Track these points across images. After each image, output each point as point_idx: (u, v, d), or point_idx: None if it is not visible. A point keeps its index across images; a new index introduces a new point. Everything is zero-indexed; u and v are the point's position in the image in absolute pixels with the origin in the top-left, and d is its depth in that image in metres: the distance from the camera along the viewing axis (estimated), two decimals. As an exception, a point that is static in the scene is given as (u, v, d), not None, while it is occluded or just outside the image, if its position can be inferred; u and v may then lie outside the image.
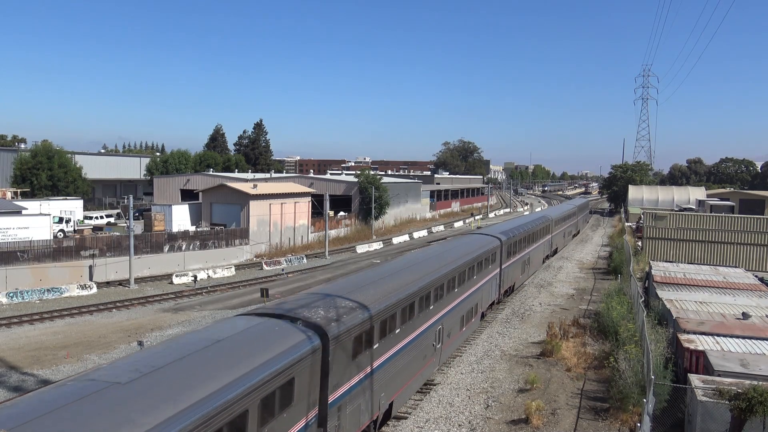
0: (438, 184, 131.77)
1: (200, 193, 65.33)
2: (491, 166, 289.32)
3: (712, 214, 62.48)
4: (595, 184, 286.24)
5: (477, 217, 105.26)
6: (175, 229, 56.64)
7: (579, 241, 75.78)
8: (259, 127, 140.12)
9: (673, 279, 34.46)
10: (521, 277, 42.16)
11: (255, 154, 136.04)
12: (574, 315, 33.93)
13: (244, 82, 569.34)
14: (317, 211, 67.28)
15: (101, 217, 71.24)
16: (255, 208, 59.84)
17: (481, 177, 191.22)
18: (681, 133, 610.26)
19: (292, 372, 12.31)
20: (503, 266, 35.49)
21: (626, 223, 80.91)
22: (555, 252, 58.89)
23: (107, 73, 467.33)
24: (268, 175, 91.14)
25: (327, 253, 60.97)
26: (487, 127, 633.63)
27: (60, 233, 56.11)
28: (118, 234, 51.04)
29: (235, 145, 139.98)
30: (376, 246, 68.68)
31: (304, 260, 57.52)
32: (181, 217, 61.42)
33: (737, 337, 21.83)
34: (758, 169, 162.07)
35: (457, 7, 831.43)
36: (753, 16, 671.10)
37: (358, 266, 52.90)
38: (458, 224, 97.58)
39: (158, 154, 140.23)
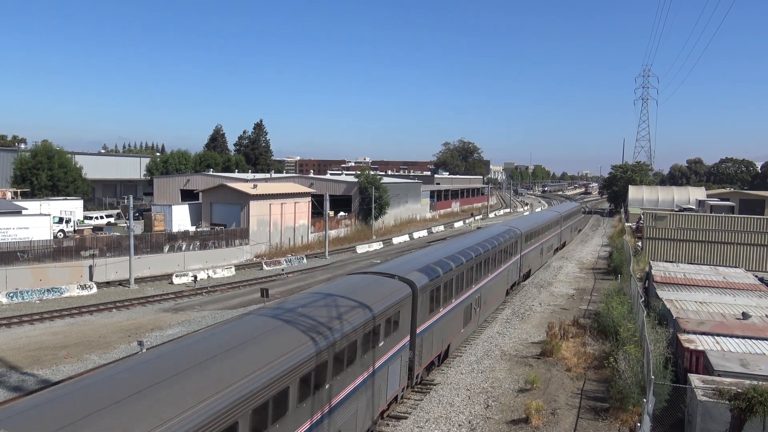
0: (438, 184, 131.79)
1: (200, 193, 65.33)
2: (491, 167, 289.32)
3: (712, 214, 62.47)
4: (595, 185, 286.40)
5: (477, 218, 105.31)
6: (175, 229, 56.64)
7: (565, 253, 74.90)
8: (259, 127, 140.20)
9: (673, 279, 34.45)
10: (463, 332, 27.49)
11: (255, 154, 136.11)
12: (574, 315, 33.93)
13: (244, 82, 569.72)
14: (317, 211, 67.29)
15: (101, 217, 71.25)
16: (255, 208, 59.84)
17: (481, 177, 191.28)
18: (681, 133, 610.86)
19: None
20: (420, 329, 21.02)
21: (626, 224, 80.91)
22: (527, 275, 45.73)
23: (107, 73, 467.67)
24: (268, 176, 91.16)
25: (327, 253, 60.98)
26: (487, 127, 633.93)
27: (60, 233, 56.10)
28: (118, 234, 51.04)
29: (235, 145, 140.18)
30: (376, 246, 68.69)
31: (304, 260, 57.52)
32: (181, 217, 61.42)
33: (737, 337, 21.83)
34: (758, 169, 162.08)
35: (457, 7, 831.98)
36: (753, 16, 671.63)
37: (358, 266, 52.90)
38: (458, 224, 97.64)
39: (158, 154, 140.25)
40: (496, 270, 33.85)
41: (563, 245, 65.64)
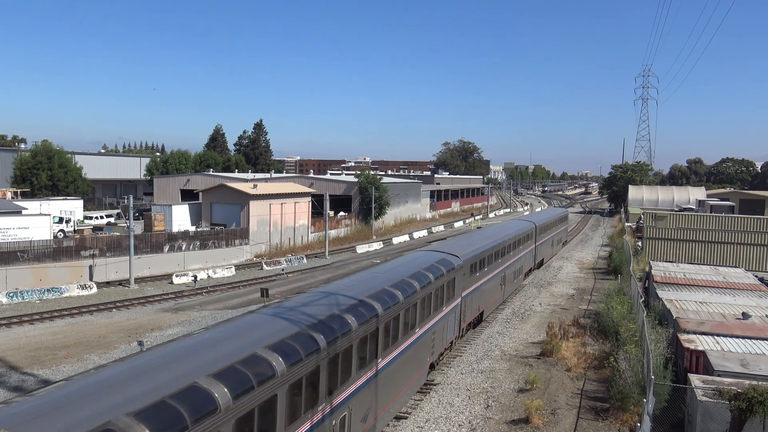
0: (438, 184, 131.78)
1: (200, 193, 65.33)
2: (491, 166, 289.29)
3: (712, 214, 62.50)
4: (595, 184, 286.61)
5: (477, 217, 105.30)
6: (175, 229, 56.63)
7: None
8: (259, 127, 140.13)
9: (673, 279, 34.45)
10: None
11: (255, 154, 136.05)
12: (574, 315, 33.94)
13: (244, 82, 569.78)
14: (317, 211, 67.29)
15: (101, 217, 71.25)
16: (255, 208, 59.84)
17: (481, 177, 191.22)
18: (681, 133, 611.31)
19: None
20: None
21: (626, 223, 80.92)
22: (478, 320, 31.97)
23: (107, 73, 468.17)
24: (268, 175, 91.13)
25: (327, 253, 60.98)
26: (487, 127, 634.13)
27: (60, 233, 56.10)
28: (118, 234, 51.03)
29: (235, 145, 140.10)
30: (376, 246, 68.70)
31: (304, 260, 57.52)
32: (181, 217, 61.42)
33: (737, 337, 21.83)
34: (758, 169, 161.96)
35: (457, 7, 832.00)
36: (753, 16, 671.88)
37: (358, 266, 52.89)
38: (458, 224, 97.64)
39: (158, 154, 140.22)
40: (400, 344, 19.09)
41: (540, 264, 52.16)
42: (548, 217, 57.01)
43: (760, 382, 16.40)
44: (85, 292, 41.45)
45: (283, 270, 52.14)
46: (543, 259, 53.51)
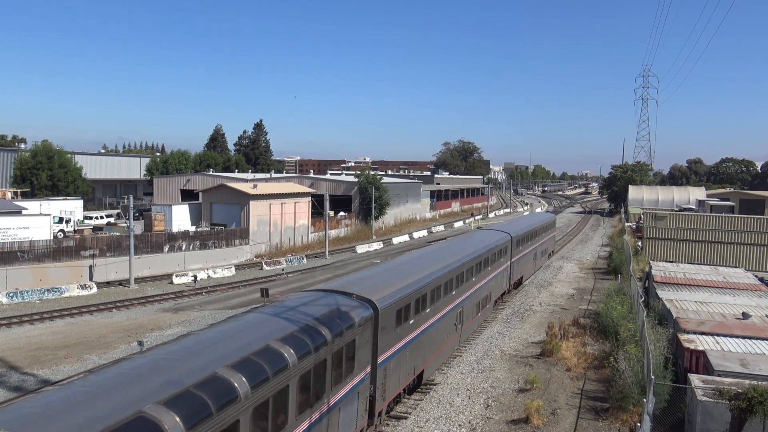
0: (438, 184, 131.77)
1: (200, 193, 65.33)
2: (491, 167, 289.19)
3: (712, 214, 62.50)
4: (595, 184, 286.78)
5: (477, 217, 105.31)
6: (175, 229, 56.63)
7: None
8: (259, 127, 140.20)
9: (673, 279, 34.46)
10: None
11: (255, 154, 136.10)
12: (574, 315, 33.95)
13: (244, 82, 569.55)
14: (317, 211, 67.30)
15: (101, 217, 71.25)
16: (255, 208, 59.84)
17: (481, 177, 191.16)
18: (681, 133, 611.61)
19: None
20: None
21: (626, 223, 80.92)
22: (416, 382, 22.55)
23: (107, 73, 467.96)
24: (268, 175, 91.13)
25: (327, 253, 60.98)
26: (487, 127, 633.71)
27: (60, 233, 56.10)
28: (118, 234, 51.04)
29: (235, 145, 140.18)
30: (376, 246, 68.70)
31: (304, 260, 57.52)
32: (181, 217, 61.42)
33: (737, 337, 21.84)
34: (758, 169, 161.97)
35: (457, 7, 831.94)
36: (753, 16, 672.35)
37: (358, 266, 52.88)
38: (458, 224, 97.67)
39: (158, 154, 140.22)
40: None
41: (518, 283, 43.02)
42: (529, 225, 46.66)
43: (760, 382, 16.40)
44: (85, 292, 41.45)
45: (283, 270, 52.15)
46: (522, 277, 43.75)
